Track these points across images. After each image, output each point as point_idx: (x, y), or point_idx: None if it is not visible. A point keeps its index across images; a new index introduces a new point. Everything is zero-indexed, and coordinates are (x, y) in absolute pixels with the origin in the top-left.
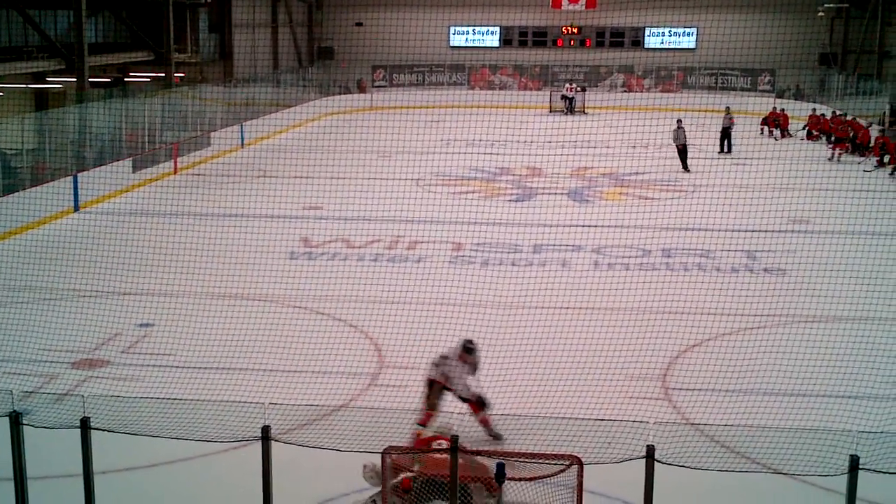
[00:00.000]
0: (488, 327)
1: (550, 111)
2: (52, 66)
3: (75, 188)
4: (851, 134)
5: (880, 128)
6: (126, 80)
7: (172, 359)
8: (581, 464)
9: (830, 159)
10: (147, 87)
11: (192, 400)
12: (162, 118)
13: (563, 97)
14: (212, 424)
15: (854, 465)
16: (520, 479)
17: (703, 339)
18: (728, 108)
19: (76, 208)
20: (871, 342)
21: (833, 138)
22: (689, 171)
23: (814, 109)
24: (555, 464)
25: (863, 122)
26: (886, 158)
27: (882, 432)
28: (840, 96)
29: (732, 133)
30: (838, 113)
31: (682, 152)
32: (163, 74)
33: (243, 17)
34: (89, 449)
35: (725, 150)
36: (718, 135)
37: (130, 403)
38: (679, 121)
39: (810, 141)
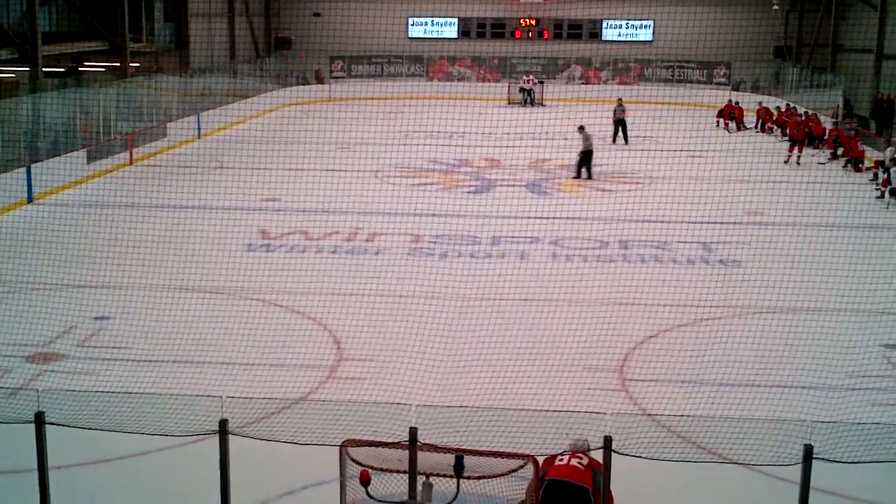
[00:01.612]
0: (447, 319)
1: (509, 103)
2: (5, 55)
3: (28, 179)
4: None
5: (833, 121)
6: (80, 69)
7: (129, 352)
8: (537, 463)
9: (786, 162)
10: (102, 76)
11: (148, 394)
12: (117, 108)
13: (522, 89)
14: (168, 418)
15: (808, 455)
16: (478, 478)
17: (660, 331)
18: (620, 100)
19: (30, 200)
20: (825, 333)
21: (786, 131)
22: (591, 178)
23: (759, 103)
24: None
25: (822, 118)
26: (840, 151)
27: (835, 422)
28: (795, 89)
29: (627, 123)
30: (792, 106)
31: (586, 157)
32: (118, 64)
33: (199, 7)
34: (44, 444)
35: (622, 140)
36: (612, 127)
37: (86, 397)
38: (581, 127)
39: (763, 133)
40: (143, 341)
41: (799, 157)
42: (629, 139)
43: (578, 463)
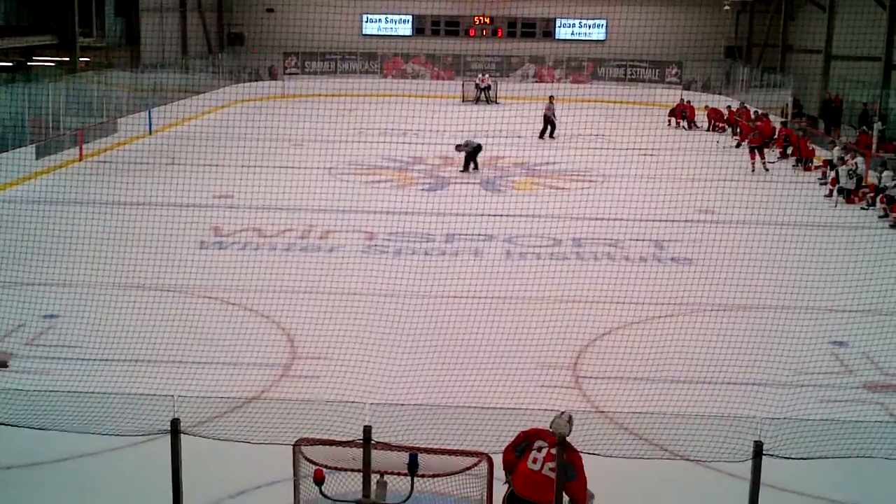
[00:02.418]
0: (401, 317)
1: (463, 100)
2: None
3: None
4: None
5: (783, 120)
6: (29, 64)
7: (78, 351)
8: (491, 461)
9: (753, 171)
10: (51, 71)
11: (98, 393)
12: (67, 104)
13: (477, 86)
14: (119, 418)
15: (758, 451)
16: (432, 476)
17: (613, 328)
18: (551, 97)
19: None
20: (774, 330)
21: (737, 130)
22: (477, 169)
23: (706, 105)
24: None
25: (772, 117)
26: (789, 150)
27: (785, 418)
28: (745, 89)
29: (555, 121)
30: (745, 106)
31: (474, 152)
32: (67, 59)
33: (151, 1)
34: None
35: (548, 135)
36: (542, 121)
37: (35, 397)
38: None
39: (714, 132)
40: (94, 340)
41: (764, 162)
42: (555, 136)
43: (550, 470)
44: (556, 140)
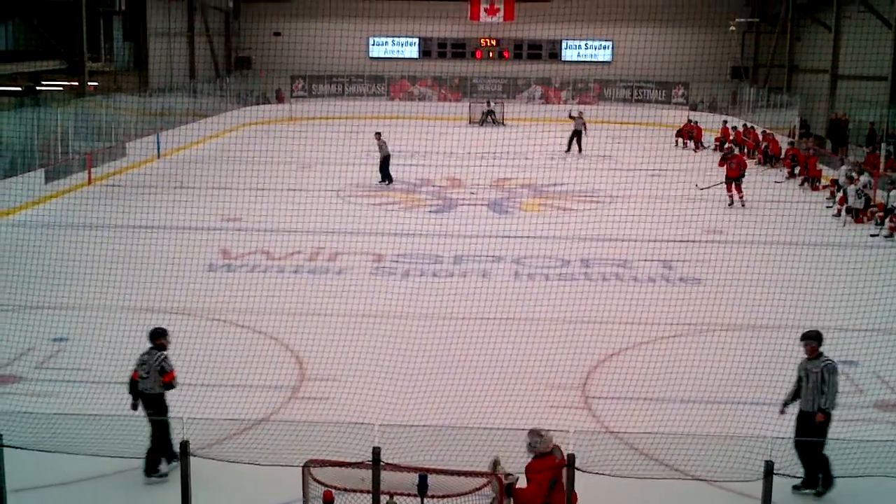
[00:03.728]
0: (409, 338)
1: (470, 122)
2: None
3: None
4: (764, 146)
5: (790, 140)
6: (38, 88)
7: (87, 374)
8: (500, 480)
9: (730, 205)
10: (60, 95)
11: (107, 416)
12: (75, 128)
13: (483, 112)
14: (129, 441)
15: (769, 471)
16: (442, 497)
17: (622, 349)
18: (581, 113)
19: None
20: (783, 350)
21: (744, 150)
22: (391, 182)
23: (725, 122)
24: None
25: (779, 137)
26: (797, 170)
27: (795, 438)
28: (752, 109)
29: (584, 135)
30: (750, 126)
31: (385, 163)
32: (76, 83)
33: (159, 26)
34: (2, 467)
35: (577, 150)
36: (569, 137)
37: (44, 420)
38: (378, 134)
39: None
40: (102, 363)
41: (741, 196)
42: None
43: (539, 486)
44: (583, 156)
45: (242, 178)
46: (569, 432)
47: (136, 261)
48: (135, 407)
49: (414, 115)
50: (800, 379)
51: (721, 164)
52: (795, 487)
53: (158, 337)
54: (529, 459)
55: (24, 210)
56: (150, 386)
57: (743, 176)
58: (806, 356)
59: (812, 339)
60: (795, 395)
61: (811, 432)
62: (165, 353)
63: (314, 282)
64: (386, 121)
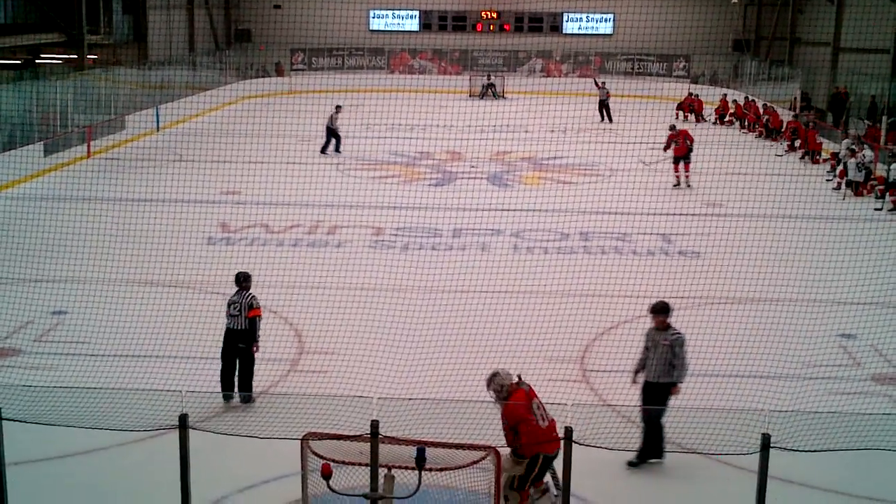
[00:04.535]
0: (408, 312)
1: (470, 95)
2: None
3: None
4: (765, 119)
5: (792, 113)
6: (37, 61)
7: (87, 347)
8: (498, 454)
9: (676, 186)
10: (59, 69)
11: (107, 388)
12: (74, 101)
13: (484, 85)
14: (128, 413)
15: (766, 444)
16: (440, 470)
17: (620, 322)
18: (604, 82)
19: None
20: (782, 323)
21: (745, 123)
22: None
23: (724, 95)
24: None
25: (780, 110)
26: (797, 143)
27: (793, 411)
28: (753, 82)
29: (610, 104)
30: (751, 99)
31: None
32: (75, 56)
33: None
34: (1, 440)
35: (606, 119)
36: (597, 106)
37: (43, 393)
38: (338, 107)
39: (723, 125)
40: (102, 336)
41: (688, 176)
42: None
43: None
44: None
45: (242, 152)
46: (566, 405)
47: (135, 234)
48: (257, 348)
49: (414, 88)
50: (647, 348)
51: (665, 150)
52: (631, 463)
53: (246, 280)
54: (500, 408)
55: (24, 183)
56: (241, 323)
57: (691, 151)
58: (653, 326)
59: (660, 313)
60: (643, 363)
61: (654, 402)
62: (252, 293)
63: (313, 255)
64: (386, 94)
